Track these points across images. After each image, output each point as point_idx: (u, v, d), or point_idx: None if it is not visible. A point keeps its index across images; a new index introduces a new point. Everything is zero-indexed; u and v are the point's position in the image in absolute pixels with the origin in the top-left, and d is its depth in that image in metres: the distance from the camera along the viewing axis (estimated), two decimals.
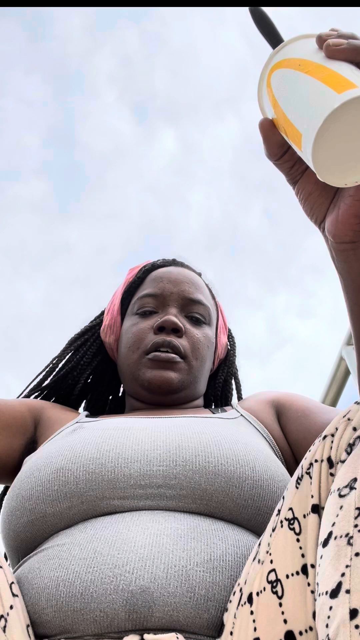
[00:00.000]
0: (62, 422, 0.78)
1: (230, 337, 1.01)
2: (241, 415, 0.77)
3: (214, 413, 0.79)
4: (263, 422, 0.76)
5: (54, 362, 0.94)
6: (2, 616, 0.45)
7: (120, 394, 0.99)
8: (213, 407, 0.97)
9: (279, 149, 0.47)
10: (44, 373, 0.93)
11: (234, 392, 1.00)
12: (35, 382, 0.93)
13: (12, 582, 0.50)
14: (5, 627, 0.45)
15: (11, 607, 0.47)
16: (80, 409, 0.95)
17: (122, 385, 0.97)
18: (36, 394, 0.91)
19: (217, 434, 0.62)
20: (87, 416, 0.82)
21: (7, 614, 0.46)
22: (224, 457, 0.58)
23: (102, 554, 0.49)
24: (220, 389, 0.98)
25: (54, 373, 0.93)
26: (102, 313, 0.99)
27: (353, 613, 0.31)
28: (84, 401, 0.96)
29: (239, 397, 0.99)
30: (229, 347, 1.00)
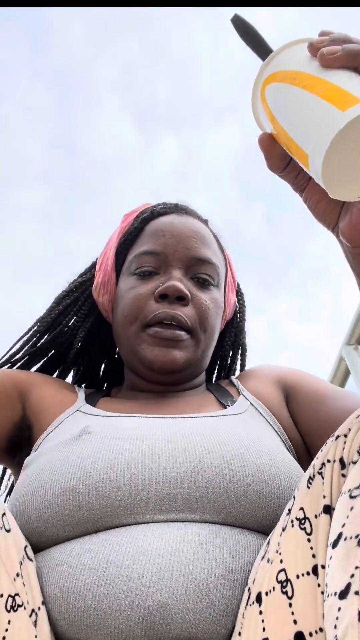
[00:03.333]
0: (60, 405, 0.70)
1: (239, 293, 0.91)
2: (250, 404, 0.71)
3: (221, 403, 0.72)
4: (271, 409, 0.70)
5: (40, 323, 0.82)
6: (33, 610, 0.44)
7: (115, 357, 0.90)
8: (215, 377, 0.91)
9: (282, 162, 0.45)
10: (27, 335, 0.82)
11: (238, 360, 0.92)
12: (17, 346, 0.82)
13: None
14: (36, 622, 0.44)
15: (43, 603, 0.46)
16: (71, 381, 0.86)
17: (117, 350, 0.89)
18: (20, 362, 0.81)
19: (240, 445, 0.57)
20: (86, 398, 0.74)
21: (39, 609, 0.45)
22: (249, 475, 0.53)
23: (115, 564, 0.45)
24: (226, 359, 0.90)
25: (40, 337, 0.82)
26: (93, 266, 0.87)
27: None
28: (74, 369, 0.87)
29: (242, 367, 0.91)
30: (237, 306, 0.90)
